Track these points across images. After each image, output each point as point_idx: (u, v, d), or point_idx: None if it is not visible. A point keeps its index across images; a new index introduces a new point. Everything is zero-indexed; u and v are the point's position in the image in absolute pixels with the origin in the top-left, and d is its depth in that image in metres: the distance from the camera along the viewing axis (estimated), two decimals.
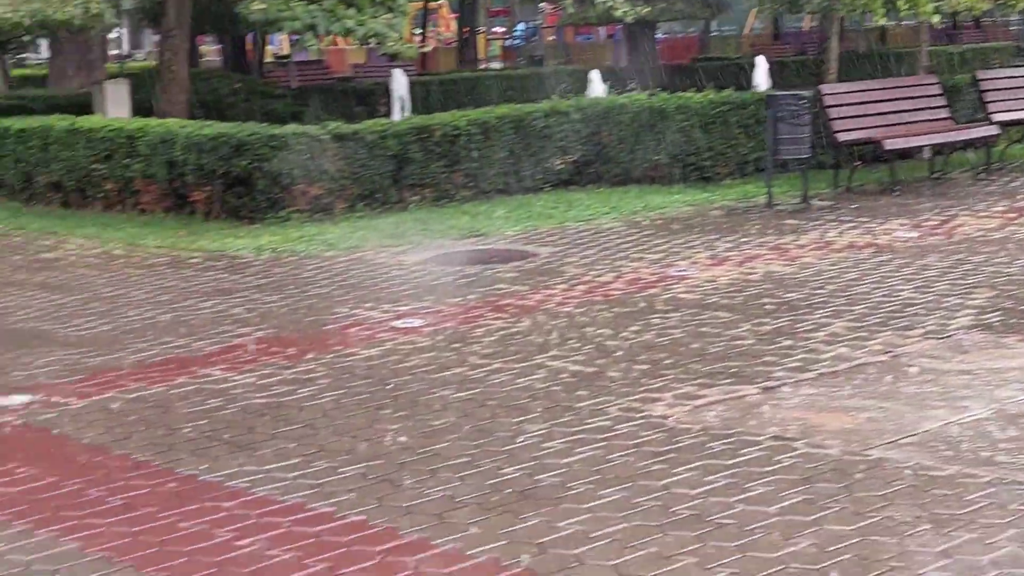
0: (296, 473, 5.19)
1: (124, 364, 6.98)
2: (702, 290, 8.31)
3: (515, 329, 7.47)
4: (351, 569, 4.28)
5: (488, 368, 6.66)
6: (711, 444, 5.37)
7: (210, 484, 5.11)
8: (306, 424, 5.84)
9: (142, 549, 4.50)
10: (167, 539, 4.58)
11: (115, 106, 14.81)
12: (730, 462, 5.15)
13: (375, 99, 18.54)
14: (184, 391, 6.42)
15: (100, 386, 6.56)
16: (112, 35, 29.08)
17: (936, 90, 13.70)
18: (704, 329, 7.29)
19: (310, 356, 7.02)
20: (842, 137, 12.51)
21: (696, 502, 4.75)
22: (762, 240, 10.00)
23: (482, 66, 27.41)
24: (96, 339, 7.55)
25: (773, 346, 6.87)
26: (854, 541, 4.38)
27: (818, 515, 4.61)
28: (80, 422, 5.98)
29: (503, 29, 39.82)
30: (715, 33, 35.07)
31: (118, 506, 4.90)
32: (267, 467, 5.27)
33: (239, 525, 4.68)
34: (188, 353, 7.18)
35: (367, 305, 8.21)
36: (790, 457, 5.19)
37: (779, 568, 4.19)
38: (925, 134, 12.95)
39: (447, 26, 36.30)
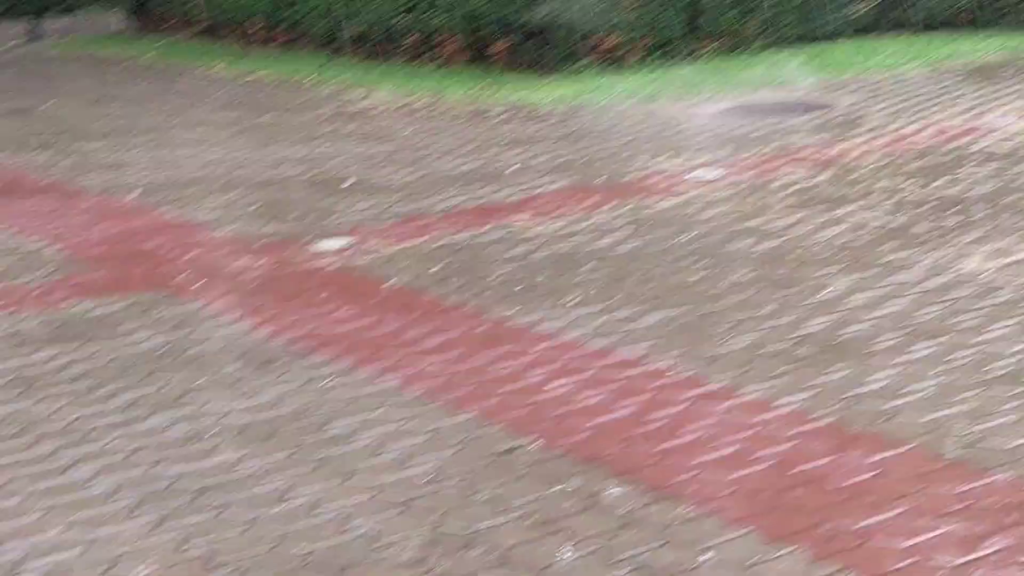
0: (602, 319, 5.29)
1: (433, 211, 7.22)
2: (1017, 142, 7.93)
3: (815, 181, 7.33)
4: (658, 414, 4.36)
5: (788, 220, 6.58)
6: None
7: (519, 328, 5.27)
8: (609, 272, 5.92)
9: (456, 389, 4.69)
10: (480, 380, 4.75)
11: None
12: None
13: None
14: (491, 238, 6.61)
15: (412, 232, 6.81)
16: None
17: None
18: (1019, 183, 6.98)
19: (610, 205, 7.09)
20: None
21: (1014, 359, 4.62)
22: None
23: None
24: (406, 187, 7.82)
25: None
26: None
27: None
28: (394, 266, 6.23)
29: None
30: None
31: (433, 347, 5.11)
32: (573, 313, 5.39)
33: (548, 368, 4.82)
34: (493, 201, 7.36)
35: (665, 155, 8.20)
36: None
37: None
38: None
39: None
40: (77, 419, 4.56)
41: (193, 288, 6.04)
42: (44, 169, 8.91)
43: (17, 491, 4.01)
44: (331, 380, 4.83)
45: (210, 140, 9.62)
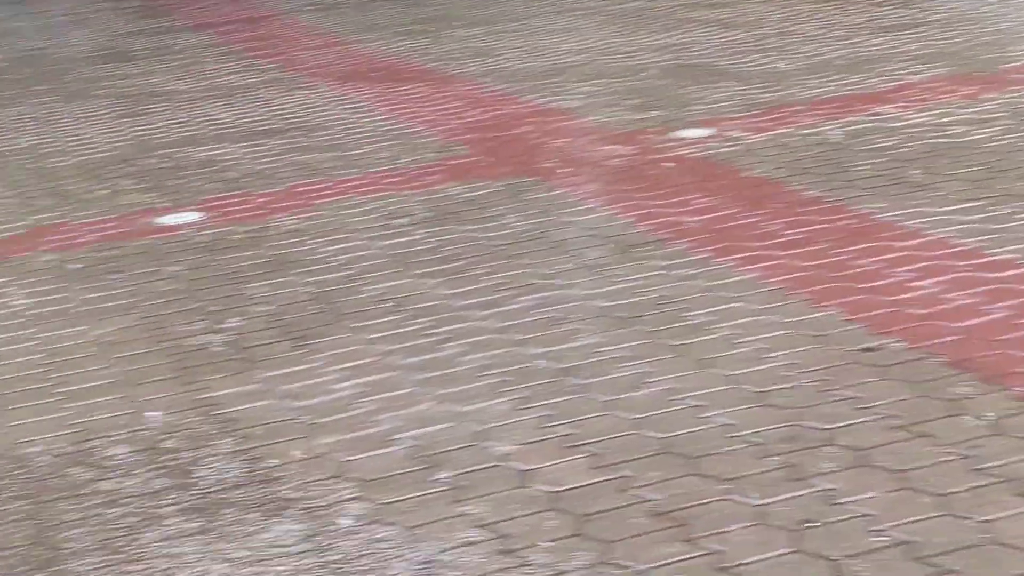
0: (975, 217, 5.08)
1: (798, 100, 7.07)
2: None
3: None
4: None
5: None
6: None
7: (885, 223, 5.12)
8: (986, 167, 5.66)
9: (817, 283, 4.62)
10: (841, 275, 4.66)
11: None
12: None
13: None
14: (857, 129, 6.42)
15: (774, 121, 6.70)
16: None
17: None
18: None
19: (989, 95, 6.75)
20: None
21: None
22: None
23: None
24: (770, 75, 7.69)
25: None
26: None
27: None
28: (755, 156, 6.16)
29: None
30: None
31: (793, 240, 5.04)
32: (944, 209, 5.19)
33: (915, 266, 4.68)
34: (861, 90, 7.14)
35: None
36: None
37: None
38: None
39: None
40: (448, 298, 4.78)
41: (558, 174, 6.17)
42: (421, 55, 9.25)
43: (392, 365, 4.25)
44: (691, 269, 4.85)
45: (577, 28, 9.72)
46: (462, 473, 3.52)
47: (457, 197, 5.95)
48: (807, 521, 3.17)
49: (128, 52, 10.20)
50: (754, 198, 5.58)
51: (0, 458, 3.81)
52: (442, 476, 3.51)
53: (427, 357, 4.29)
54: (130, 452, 3.78)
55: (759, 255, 4.92)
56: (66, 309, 4.94)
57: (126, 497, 3.53)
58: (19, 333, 4.75)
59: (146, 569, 3.19)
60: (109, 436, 3.89)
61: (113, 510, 3.47)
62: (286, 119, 7.67)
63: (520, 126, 7.10)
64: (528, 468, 3.52)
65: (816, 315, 4.36)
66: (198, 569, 3.17)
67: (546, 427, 3.75)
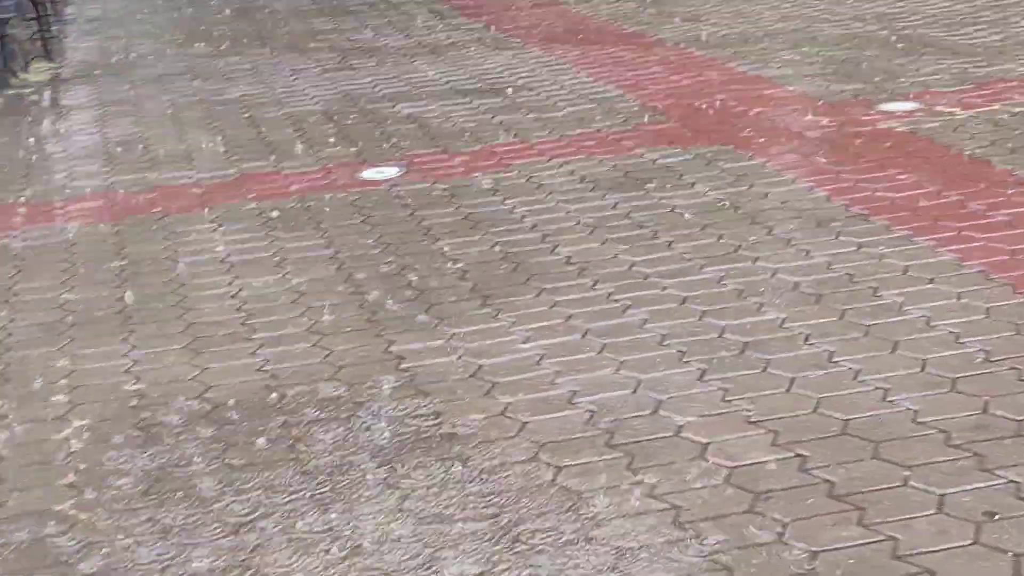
0: None
1: (1012, 76, 6.81)
2: None
3: None
4: None
5: None
6: None
7: None
8: None
9: (1019, 268, 4.46)
10: None
11: None
12: None
13: None
14: None
15: (986, 97, 6.47)
16: None
17: None
18: None
19: None
20: None
21: None
22: None
23: None
24: (985, 49, 7.42)
25: None
26: None
27: None
28: (963, 133, 5.97)
29: None
30: None
31: (997, 222, 4.88)
32: None
33: None
34: None
35: None
36: None
37: None
38: None
39: None
40: (635, 265, 4.77)
41: (756, 143, 6.08)
42: (627, 19, 9.21)
43: (576, 329, 4.27)
44: (886, 247, 4.74)
45: None
46: (639, 441, 3.53)
47: (651, 163, 5.92)
48: (991, 513, 3.08)
49: (343, 6, 10.42)
50: (958, 176, 5.41)
51: (194, 400, 3.97)
52: (619, 443, 3.52)
53: (611, 322, 4.30)
54: (316, 400, 3.89)
55: (960, 236, 4.78)
56: (265, 257, 5.10)
57: (313, 443, 3.64)
58: (219, 279, 4.93)
59: (324, 515, 3.29)
60: (298, 384, 4.01)
61: (298, 456, 3.58)
62: (489, 79, 7.73)
63: (720, 93, 7.01)
64: (706, 441, 3.50)
65: (1016, 301, 4.21)
66: (379, 520, 3.25)
67: (726, 401, 3.72)
